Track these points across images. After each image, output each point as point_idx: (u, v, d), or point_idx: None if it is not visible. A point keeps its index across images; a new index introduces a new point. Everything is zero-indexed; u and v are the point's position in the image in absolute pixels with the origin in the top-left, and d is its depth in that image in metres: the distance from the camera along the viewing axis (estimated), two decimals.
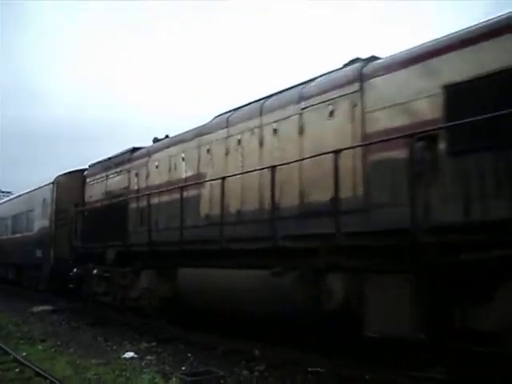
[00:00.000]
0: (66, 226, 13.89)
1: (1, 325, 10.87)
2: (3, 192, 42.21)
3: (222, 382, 5.85)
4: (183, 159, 9.07)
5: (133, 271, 10.40)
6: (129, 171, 11.05)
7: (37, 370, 6.60)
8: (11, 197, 21.78)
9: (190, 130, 9.27)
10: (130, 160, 11.13)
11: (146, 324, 10.07)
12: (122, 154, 11.63)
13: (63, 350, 8.30)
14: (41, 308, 13.44)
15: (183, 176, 8.99)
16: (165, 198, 9.25)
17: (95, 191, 12.68)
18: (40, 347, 8.50)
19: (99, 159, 13.07)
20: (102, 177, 12.36)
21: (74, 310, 12.92)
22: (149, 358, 7.57)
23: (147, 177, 10.27)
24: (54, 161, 69.61)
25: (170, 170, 9.45)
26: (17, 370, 6.87)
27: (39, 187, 16.86)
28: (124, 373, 6.57)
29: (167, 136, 10.54)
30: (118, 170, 11.61)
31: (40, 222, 16.14)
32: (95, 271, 11.86)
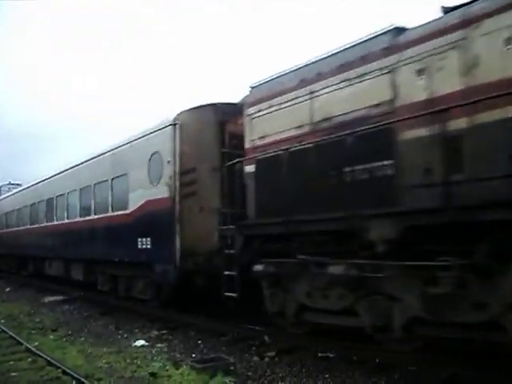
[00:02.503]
0: (196, 196, 9.39)
1: (13, 315, 11.01)
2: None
3: (232, 368, 5.88)
4: None
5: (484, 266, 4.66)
6: (391, 71, 5.90)
7: (49, 359, 6.66)
8: (78, 161, 14.31)
9: None
10: (390, 50, 5.98)
11: (156, 312, 10.12)
12: (366, 41, 6.42)
13: (74, 339, 8.38)
14: (52, 298, 13.60)
15: None
16: None
17: (277, 124, 7.37)
18: (52, 337, 8.59)
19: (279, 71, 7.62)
20: (299, 96, 7.06)
21: (85, 300, 13.02)
22: (159, 345, 7.62)
23: (468, 70, 5.07)
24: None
25: None
26: (29, 359, 6.94)
27: (140, 137, 10.65)
28: (135, 361, 6.63)
29: None
30: (350, 74, 6.37)
31: (144, 193, 10.21)
32: (340, 269, 5.95)
